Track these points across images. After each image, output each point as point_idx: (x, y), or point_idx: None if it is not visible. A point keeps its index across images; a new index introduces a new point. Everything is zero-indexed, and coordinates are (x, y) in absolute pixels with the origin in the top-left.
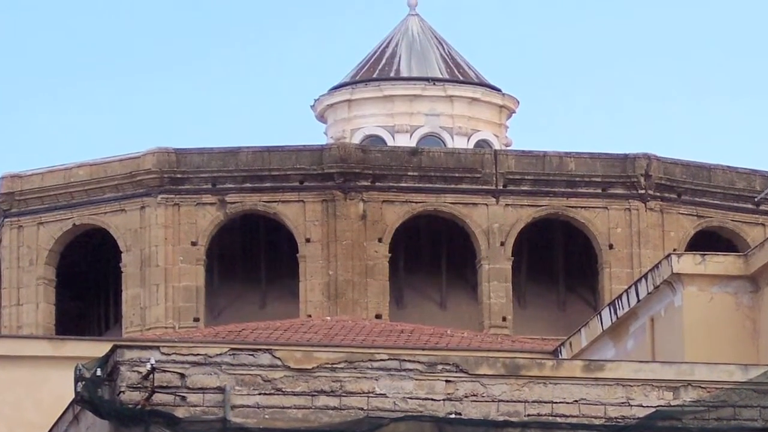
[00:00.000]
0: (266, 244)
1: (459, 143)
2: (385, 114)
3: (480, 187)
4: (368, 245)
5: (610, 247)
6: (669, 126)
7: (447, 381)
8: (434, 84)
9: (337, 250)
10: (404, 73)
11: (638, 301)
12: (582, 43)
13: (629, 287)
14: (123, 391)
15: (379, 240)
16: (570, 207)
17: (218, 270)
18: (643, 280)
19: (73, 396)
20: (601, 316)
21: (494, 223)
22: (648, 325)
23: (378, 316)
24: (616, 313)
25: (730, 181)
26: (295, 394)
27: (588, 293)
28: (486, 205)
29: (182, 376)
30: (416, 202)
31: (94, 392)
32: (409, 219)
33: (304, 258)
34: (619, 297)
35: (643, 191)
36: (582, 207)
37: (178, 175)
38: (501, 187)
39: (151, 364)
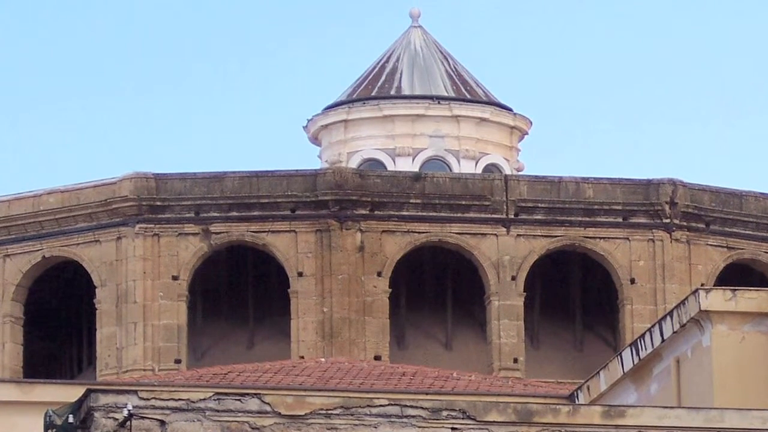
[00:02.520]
0: (254, 278)
1: (466, 168)
2: (385, 136)
3: (489, 215)
4: (366, 280)
5: (632, 281)
6: (696, 149)
7: (453, 428)
8: (439, 103)
9: (332, 285)
10: (406, 91)
11: (663, 340)
12: (601, 58)
13: (653, 326)
14: None
15: (379, 274)
16: (588, 238)
17: (202, 307)
18: (668, 317)
19: None
20: (621, 357)
21: (505, 255)
22: (673, 367)
23: (377, 358)
24: (638, 354)
25: (764, 209)
26: None
27: (607, 332)
28: (495, 235)
29: (162, 423)
30: (419, 233)
31: None
32: (411, 251)
33: (296, 294)
34: (642, 336)
35: (668, 220)
36: (601, 237)
37: (158, 203)
38: (512, 216)
39: (129, 410)
